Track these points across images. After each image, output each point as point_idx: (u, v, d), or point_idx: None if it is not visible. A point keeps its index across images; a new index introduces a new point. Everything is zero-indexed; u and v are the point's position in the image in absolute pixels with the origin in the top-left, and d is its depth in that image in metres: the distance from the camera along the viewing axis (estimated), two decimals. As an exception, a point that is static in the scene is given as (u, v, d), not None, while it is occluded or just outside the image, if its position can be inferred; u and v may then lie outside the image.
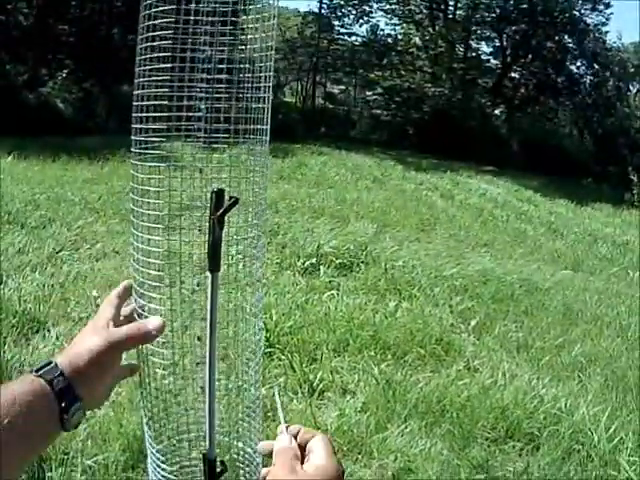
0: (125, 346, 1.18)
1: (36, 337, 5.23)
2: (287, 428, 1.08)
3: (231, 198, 1.11)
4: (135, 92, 1.20)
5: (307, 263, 7.78)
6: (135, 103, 1.20)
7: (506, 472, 4.12)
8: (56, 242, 7.75)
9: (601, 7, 29.29)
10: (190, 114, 1.26)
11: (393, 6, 31.73)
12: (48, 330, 5.37)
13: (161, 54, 1.16)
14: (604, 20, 29.29)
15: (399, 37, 32.46)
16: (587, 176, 23.24)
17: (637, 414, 4.85)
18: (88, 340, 1.14)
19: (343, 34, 32.28)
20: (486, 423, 4.54)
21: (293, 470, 0.99)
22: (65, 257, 7.32)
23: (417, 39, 31.37)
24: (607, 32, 29.60)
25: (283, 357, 5.20)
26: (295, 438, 1.06)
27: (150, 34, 1.16)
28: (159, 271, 1.21)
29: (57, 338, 5.19)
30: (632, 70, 29.14)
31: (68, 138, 16.02)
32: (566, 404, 4.85)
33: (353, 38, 32.61)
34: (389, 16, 32.10)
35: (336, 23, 32.04)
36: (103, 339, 1.13)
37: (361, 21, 32.72)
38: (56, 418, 1.04)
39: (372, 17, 32.47)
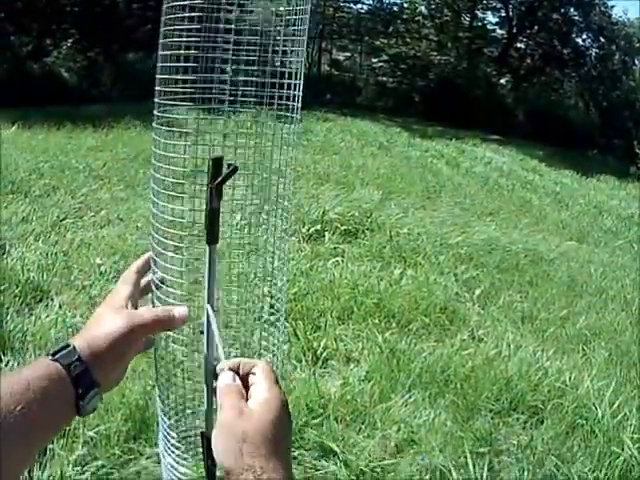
0: (148, 330, 1.13)
1: (39, 306, 5.20)
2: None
3: (229, 166, 1.05)
4: (160, 53, 1.14)
5: (312, 229, 7.75)
6: (160, 64, 1.15)
7: (510, 445, 4.10)
8: (60, 210, 7.72)
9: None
10: (217, 76, 1.21)
11: (398, -26, 31.47)
12: (51, 299, 5.35)
13: (187, 14, 1.11)
14: (609, -6, 28.97)
15: (405, 5, 32.11)
16: (592, 148, 23.03)
17: (642, 390, 4.84)
18: (109, 322, 1.08)
19: (349, 2, 31.99)
20: (490, 395, 4.52)
21: (241, 412, 0.96)
22: (69, 225, 7.30)
23: (423, 8, 31.01)
24: (613, 6, 29.32)
25: (287, 324, 5.19)
26: (237, 372, 1.03)
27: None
28: (179, 239, 1.17)
29: (60, 307, 5.17)
30: (638, 45, 28.85)
31: (72, 107, 15.84)
32: (570, 377, 4.82)
33: (359, 6, 32.32)
34: (395, -16, 31.82)
35: (342, -9, 31.76)
36: (125, 322, 1.08)
37: (367, -11, 32.50)
38: (72, 404, 1.01)
39: (378, -15, 32.20)
